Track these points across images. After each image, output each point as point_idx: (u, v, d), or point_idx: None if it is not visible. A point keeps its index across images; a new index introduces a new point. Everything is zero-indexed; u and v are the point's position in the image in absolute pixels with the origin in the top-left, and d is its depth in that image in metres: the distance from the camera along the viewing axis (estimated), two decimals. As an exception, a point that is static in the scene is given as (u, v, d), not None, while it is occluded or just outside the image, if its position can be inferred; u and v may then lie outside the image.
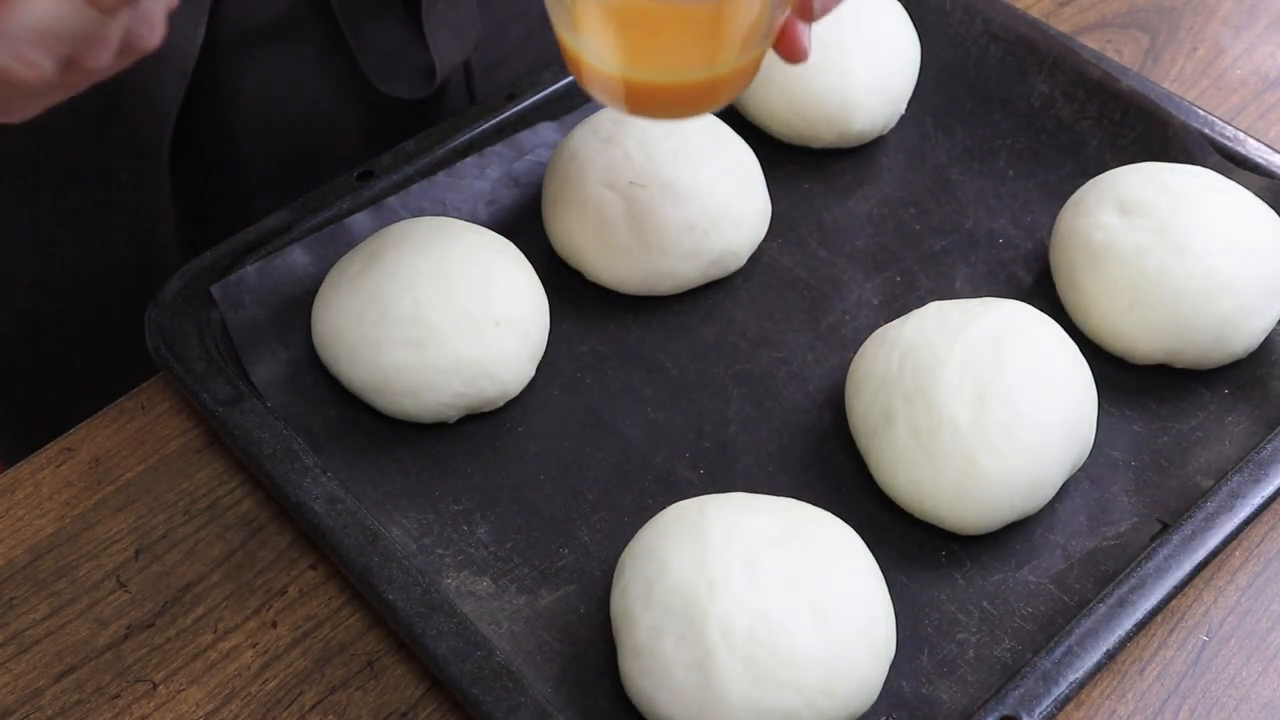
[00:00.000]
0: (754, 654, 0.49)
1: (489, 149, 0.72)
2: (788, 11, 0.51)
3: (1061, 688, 0.51)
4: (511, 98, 0.73)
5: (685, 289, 0.68)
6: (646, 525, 0.54)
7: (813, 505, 0.55)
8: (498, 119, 0.72)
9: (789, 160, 0.74)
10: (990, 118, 0.76)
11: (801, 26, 0.52)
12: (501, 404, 0.62)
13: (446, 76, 0.73)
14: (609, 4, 0.50)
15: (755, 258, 0.70)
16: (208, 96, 0.68)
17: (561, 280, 0.68)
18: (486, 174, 0.71)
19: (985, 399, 0.56)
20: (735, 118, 0.74)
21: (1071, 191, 0.68)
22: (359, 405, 0.62)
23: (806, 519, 0.54)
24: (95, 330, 0.75)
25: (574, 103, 0.74)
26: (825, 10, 0.52)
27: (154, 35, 0.44)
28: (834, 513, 0.55)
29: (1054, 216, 0.69)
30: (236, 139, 0.72)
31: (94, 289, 0.74)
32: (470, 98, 0.79)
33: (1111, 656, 0.52)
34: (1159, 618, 0.56)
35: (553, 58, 0.76)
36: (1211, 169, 0.68)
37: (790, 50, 0.53)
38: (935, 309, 0.61)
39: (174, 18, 0.63)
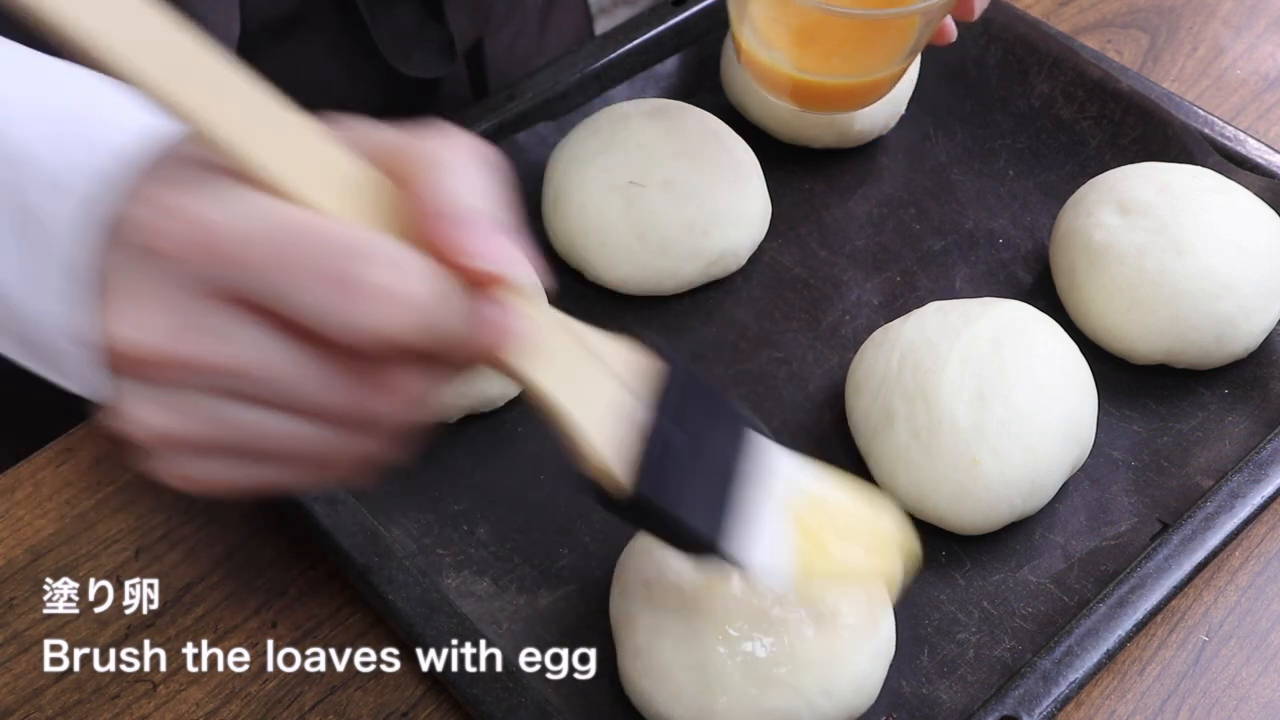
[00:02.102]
0: (753, 653, 0.49)
1: (489, 149, 0.72)
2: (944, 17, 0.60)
3: (1061, 688, 0.51)
4: (511, 98, 0.73)
5: (685, 289, 0.68)
6: (646, 525, 0.54)
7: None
8: (498, 119, 0.72)
9: (789, 160, 0.74)
10: (990, 118, 0.76)
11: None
12: (502, 404, 0.62)
13: (463, 54, 0.74)
14: (788, 13, 0.58)
15: (755, 258, 0.70)
16: None
17: (561, 280, 0.68)
18: (486, 174, 0.71)
19: (985, 399, 0.56)
20: (735, 117, 0.74)
21: (1071, 191, 0.68)
22: (359, 405, 0.62)
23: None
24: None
25: (574, 102, 0.74)
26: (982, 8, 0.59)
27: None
28: (834, 513, 0.55)
29: (1054, 216, 0.69)
30: None
31: None
32: (477, 74, 0.79)
33: (1111, 656, 0.52)
34: (1159, 618, 0.56)
35: (543, 45, 0.76)
36: (1211, 169, 0.68)
37: (941, 36, 0.61)
38: (935, 309, 0.61)
39: (210, 15, 0.64)
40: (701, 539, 0.41)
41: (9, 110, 0.38)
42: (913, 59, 0.62)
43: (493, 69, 0.80)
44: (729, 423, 0.42)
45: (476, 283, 0.33)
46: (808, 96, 0.62)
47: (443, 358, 0.35)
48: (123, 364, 0.34)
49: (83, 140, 0.37)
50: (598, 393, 0.38)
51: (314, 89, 0.73)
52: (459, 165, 0.34)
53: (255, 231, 0.32)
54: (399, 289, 0.32)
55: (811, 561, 0.44)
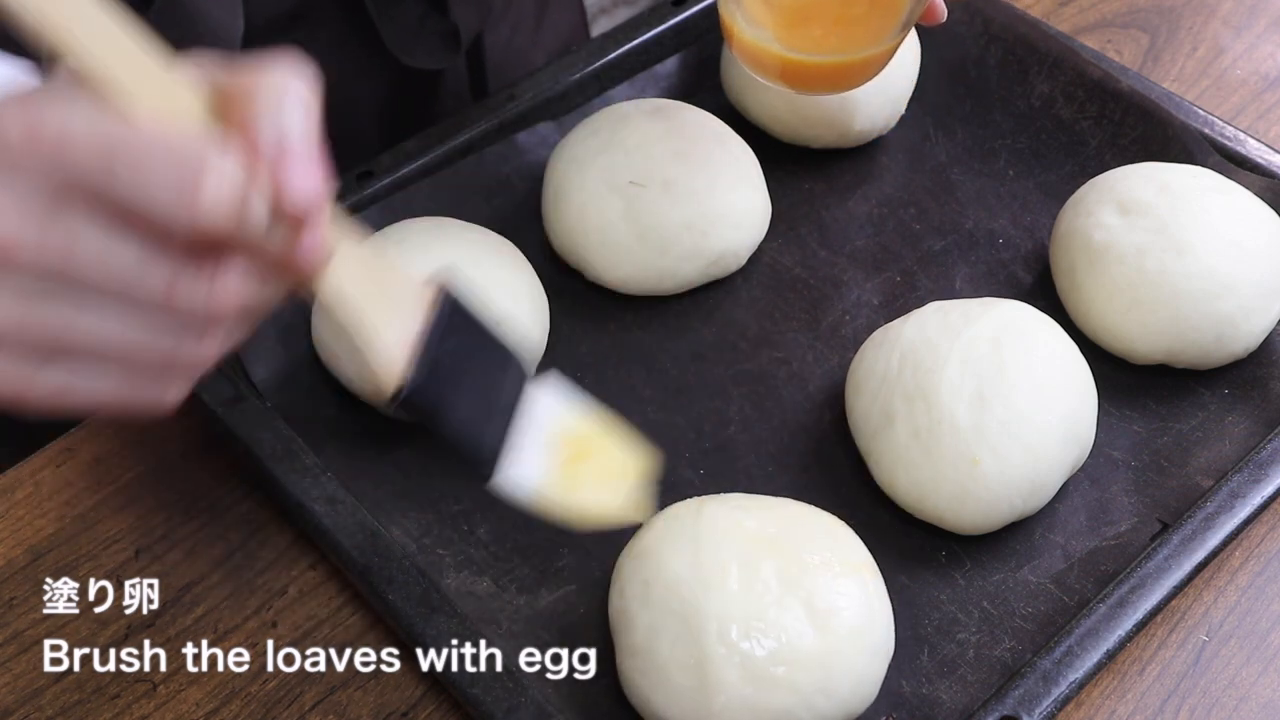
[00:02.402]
0: (750, 653, 0.49)
1: (489, 149, 0.72)
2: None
3: (1061, 688, 0.51)
4: (512, 98, 0.73)
5: (685, 289, 0.68)
6: (644, 526, 0.54)
7: (812, 505, 0.55)
8: (498, 119, 0.72)
9: (789, 160, 0.74)
10: (990, 118, 0.76)
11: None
12: (501, 404, 0.62)
13: (467, 45, 0.74)
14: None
15: (755, 258, 0.70)
16: None
17: (561, 280, 0.68)
18: (486, 174, 0.71)
19: (985, 399, 0.56)
20: (735, 118, 0.74)
21: (1071, 191, 0.68)
22: (359, 405, 0.62)
23: (804, 518, 0.54)
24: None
25: (573, 102, 0.74)
26: None
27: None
28: (834, 513, 0.55)
29: (1054, 216, 0.69)
30: None
31: None
32: (476, 67, 0.79)
33: (1111, 656, 0.52)
34: (1159, 618, 0.56)
35: (538, 39, 0.76)
36: (1211, 169, 0.68)
37: (931, 16, 0.62)
38: (935, 309, 0.61)
39: (214, 11, 0.64)
40: (464, 440, 0.46)
41: None
42: (904, 36, 0.61)
43: (490, 63, 0.80)
44: (499, 351, 0.48)
45: (287, 211, 0.38)
46: (797, 76, 0.61)
47: (258, 260, 0.39)
48: None
49: None
50: (384, 305, 0.43)
51: (320, 82, 0.73)
52: (281, 99, 0.38)
53: (103, 134, 0.36)
54: (228, 189, 0.36)
55: (561, 479, 0.48)
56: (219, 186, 0.36)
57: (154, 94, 0.37)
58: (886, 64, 0.63)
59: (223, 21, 0.65)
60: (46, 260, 0.36)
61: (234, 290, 0.38)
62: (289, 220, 0.38)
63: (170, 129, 0.36)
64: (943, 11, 0.62)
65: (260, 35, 0.68)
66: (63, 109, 0.36)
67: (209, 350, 0.40)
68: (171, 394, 0.40)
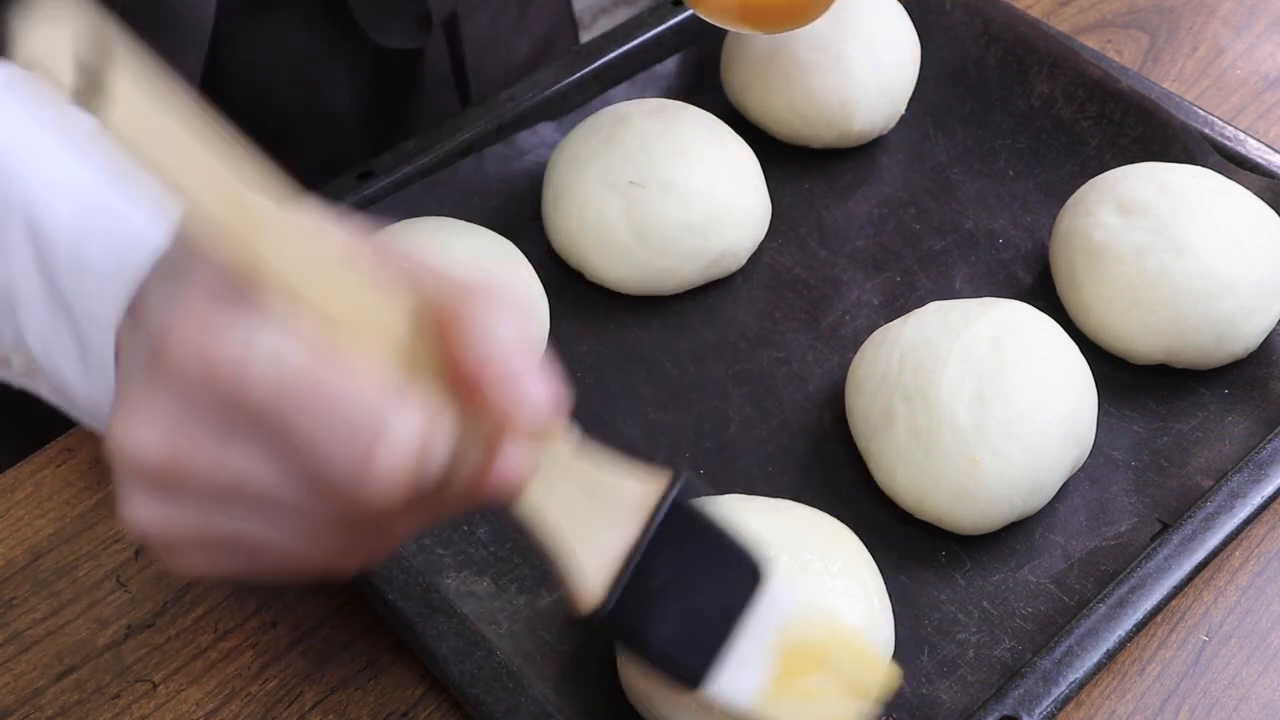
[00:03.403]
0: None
1: (489, 149, 0.72)
2: None
3: (1061, 688, 0.51)
4: (512, 98, 0.73)
5: (685, 289, 0.68)
6: (645, 526, 0.54)
7: (811, 505, 0.55)
8: (498, 119, 0.72)
9: (789, 160, 0.74)
10: (990, 118, 0.76)
11: None
12: (501, 404, 0.62)
13: (440, 24, 0.75)
14: None
15: (755, 258, 0.70)
16: (207, 70, 0.68)
17: (561, 280, 0.68)
18: (486, 174, 0.71)
19: (985, 399, 0.56)
20: (735, 118, 0.74)
21: (1071, 191, 0.68)
22: (359, 405, 0.62)
23: (801, 518, 0.54)
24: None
25: (574, 102, 0.74)
26: None
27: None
28: (834, 513, 0.55)
29: (1054, 216, 0.69)
30: (233, 111, 0.72)
31: None
32: (456, 52, 0.80)
33: (1111, 656, 0.52)
34: (1159, 618, 0.56)
35: (522, 25, 0.76)
36: (1211, 169, 0.67)
37: None
38: (935, 309, 0.61)
39: None
40: (666, 658, 0.42)
41: (50, 208, 0.42)
42: None
43: (472, 48, 0.80)
44: (727, 552, 0.43)
45: (504, 425, 0.35)
46: (752, 12, 0.61)
47: (439, 496, 0.36)
48: (124, 469, 0.36)
49: (118, 239, 0.40)
50: (589, 518, 0.40)
51: (293, 63, 0.73)
52: (499, 309, 0.35)
53: (282, 376, 0.33)
54: (403, 458, 0.33)
55: (783, 691, 0.43)
56: (394, 456, 0.32)
57: (353, 316, 0.33)
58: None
59: (195, 2, 0.65)
60: (220, 483, 0.35)
61: (401, 528, 0.38)
62: (491, 437, 0.35)
63: (356, 376, 0.33)
64: None
65: (234, 15, 0.68)
66: (241, 335, 0.33)
67: (386, 545, 0.39)
68: (351, 565, 0.39)
